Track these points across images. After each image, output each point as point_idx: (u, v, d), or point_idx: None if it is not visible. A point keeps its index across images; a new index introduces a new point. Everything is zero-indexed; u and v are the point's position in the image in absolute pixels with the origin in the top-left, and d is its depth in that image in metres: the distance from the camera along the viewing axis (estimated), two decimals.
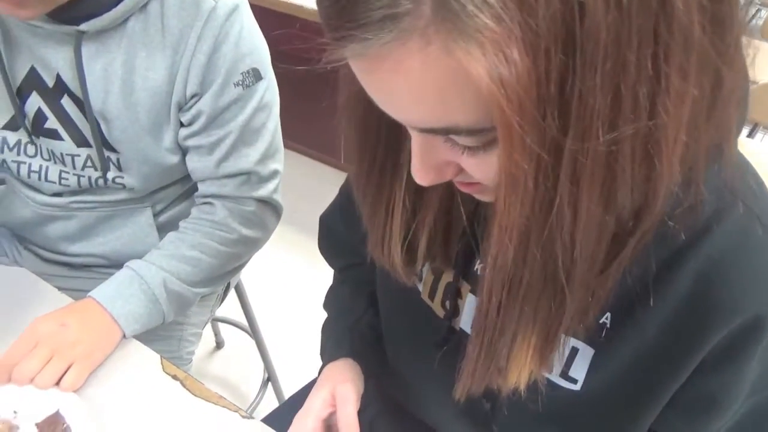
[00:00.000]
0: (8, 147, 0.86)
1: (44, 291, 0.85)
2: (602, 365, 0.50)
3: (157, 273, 0.83)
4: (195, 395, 0.72)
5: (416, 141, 0.39)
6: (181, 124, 0.84)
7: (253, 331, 1.46)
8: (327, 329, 0.78)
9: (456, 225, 0.52)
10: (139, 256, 0.97)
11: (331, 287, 0.83)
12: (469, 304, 0.56)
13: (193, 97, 0.81)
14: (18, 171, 0.88)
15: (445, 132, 0.36)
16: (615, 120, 0.32)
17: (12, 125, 0.84)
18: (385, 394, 0.77)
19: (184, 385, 0.73)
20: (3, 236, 1.05)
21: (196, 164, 0.87)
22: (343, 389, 0.65)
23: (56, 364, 0.70)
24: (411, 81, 0.33)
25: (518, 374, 0.46)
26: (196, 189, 1.00)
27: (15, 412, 0.68)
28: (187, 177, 0.96)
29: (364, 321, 0.74)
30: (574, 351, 0.50)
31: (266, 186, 0.91)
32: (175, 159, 0.87)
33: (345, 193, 0.72)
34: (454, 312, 0.57)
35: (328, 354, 0.72)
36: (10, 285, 0.85)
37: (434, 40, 0.30)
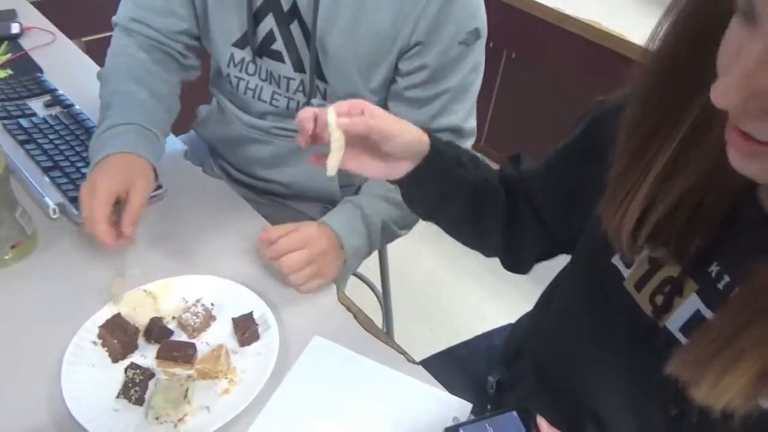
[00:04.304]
0: (234, 63, 0.95)
1: (238, 203, 0.94)
2: None
3: (379, 214, 0.88)
4: (365, 329, 0.77)
5: (759, 48, 0.35)
6: (397, 71, 0.87)
7: (384, 296, 1.51)
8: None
9: (703, 216, 0.49)
10: (317, 192, 1.04)
11: None
12: (689, 305, 0.53)
13: (416, 45, 0.84)
14: (237, 86, 0.97)
15: None
16: None
17: (241, 43, 0.93)
18: (539, 370, 0.76)
19: (356, 318, 0.78)
20: (201, 151, 1.16)
21: (406, 116, 0.90)
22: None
23: (310, 272, 0.78)
24: None
25: (728, 391, 0.42)
26: None
27: (212, 304, 0.76)
28: None
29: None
30: None
31: (468, 141, 0.95)
32: (374, 99, 0.92)
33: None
34: (666, 308, 0.55)
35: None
36: (206, 192, 0.95)
37: None
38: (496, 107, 2.50)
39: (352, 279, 1.76)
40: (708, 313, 0.52)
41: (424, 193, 0.72)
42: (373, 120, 0.62)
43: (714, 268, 0.51)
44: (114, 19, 0.97)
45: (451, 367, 0.93)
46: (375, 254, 1.39)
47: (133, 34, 0.94)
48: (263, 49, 0.91)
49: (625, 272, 0.58)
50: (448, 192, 0.72)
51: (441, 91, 0.87)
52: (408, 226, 0.97)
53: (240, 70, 0.96)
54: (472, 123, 0.94)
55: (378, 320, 1.54)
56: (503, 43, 2.29)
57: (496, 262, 0.80)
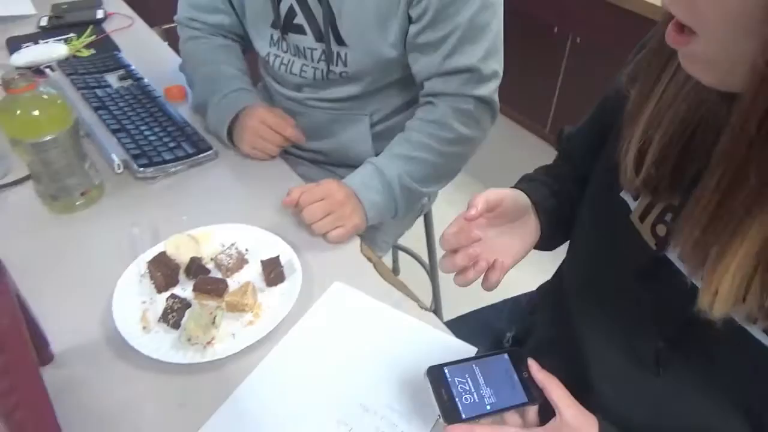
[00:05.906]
0: (273, 42, 1.03)
1: (277, 163, 1.03)
2: None
3: (394, 170, 0.93)
4: (384, 278, 0.82)
5: None
6: (410, 20, 0.90)
7: (431, 264, 1.55)
8: (531, 176, 0.79)
9: (695, 148, 0.50)
10: (355, 158, 1.09)
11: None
12: None
13: None
14: (274, 64, 1.05)
15: None
16: None
17: (276, 24, 1.00)
18: (550, 320, 0.78)
19: (376, 268, 0.83)
20: None
21: (421, 64, 0.93)
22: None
23: (332, 221, 0.86)
24: None
25: (721, 286, 0.43)
26: (411, 104, 1.09)
27: (246, 249, 0.84)
28: (404, 86, 1.04)
29: (566, 193, 0.74)
30: None
31: (487, 85, 0.94)
32: (395, 53, 0.95)
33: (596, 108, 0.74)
34: (667, 239, 0.54)
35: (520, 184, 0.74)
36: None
37: None
38: (561, 94, 2.45)
39: (404, 257, 1.82)
40: None
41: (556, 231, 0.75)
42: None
43: None
44: (176, 17, 1.11)
45: (475, 325, 0.96)
46: (424, 231, 1.44)
47: (195, 28, 1.09)
48: (287, 25, 0.98)
49: (633, 205, 0.59)
50: (567, 218, 0.74)
51: (449, 31, 0.88)
52: (431, 183, 0.98)
53: (278, 49, 1.03)
54: (493, 66, 0.93)
55: (428, 297, 1.58)
56: (568, 28, 2.25)
57: None
